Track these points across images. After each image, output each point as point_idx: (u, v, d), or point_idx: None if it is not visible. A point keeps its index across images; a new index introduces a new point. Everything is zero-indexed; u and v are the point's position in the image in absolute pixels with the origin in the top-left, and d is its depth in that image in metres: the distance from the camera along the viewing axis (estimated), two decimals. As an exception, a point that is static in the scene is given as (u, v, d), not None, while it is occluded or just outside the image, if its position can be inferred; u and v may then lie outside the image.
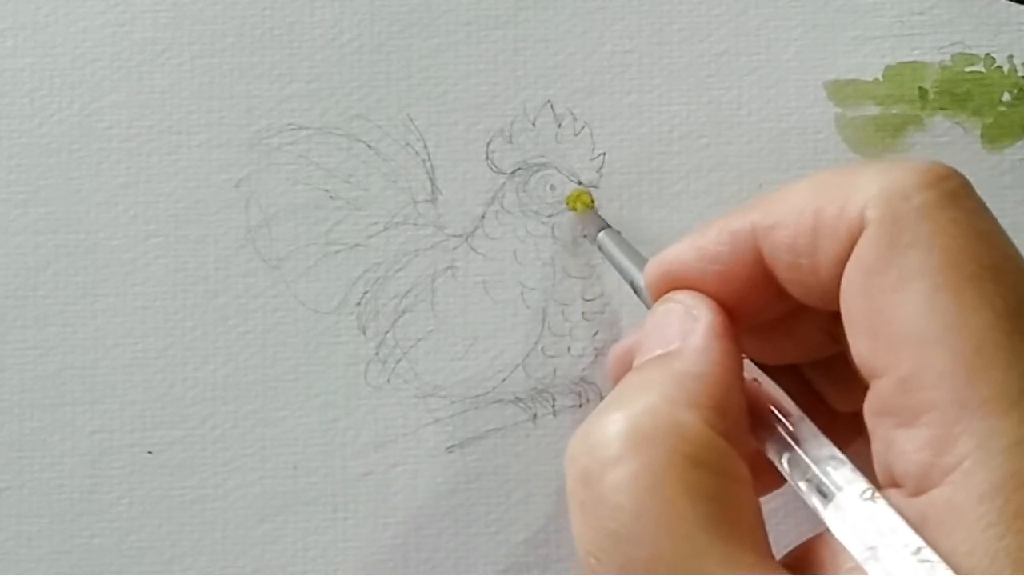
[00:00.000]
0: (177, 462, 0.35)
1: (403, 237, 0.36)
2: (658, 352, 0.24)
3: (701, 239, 0.25)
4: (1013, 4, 0.36)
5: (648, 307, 0.27)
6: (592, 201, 0.35)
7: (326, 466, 0.35)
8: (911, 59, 0.36)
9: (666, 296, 0.26)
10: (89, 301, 0.35)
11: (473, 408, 0.35)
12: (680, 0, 0.36)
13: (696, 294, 0.25)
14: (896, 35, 0.36)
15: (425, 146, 0.36)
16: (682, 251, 0.26)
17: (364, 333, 0.35)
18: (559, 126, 0.36)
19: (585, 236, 0.35)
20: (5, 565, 0.34)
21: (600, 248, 0.34)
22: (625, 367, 0.26)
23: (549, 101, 0.36)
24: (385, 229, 0.36)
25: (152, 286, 0.35)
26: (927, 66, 0.36)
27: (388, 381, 0.35)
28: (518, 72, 0.36)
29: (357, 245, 0.36)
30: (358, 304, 0.35)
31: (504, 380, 0.35)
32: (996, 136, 0.36)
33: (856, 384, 0.23)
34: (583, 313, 0.35)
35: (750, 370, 0.26)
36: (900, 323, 0.21)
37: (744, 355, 0.26)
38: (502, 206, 0.36)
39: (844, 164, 0.24)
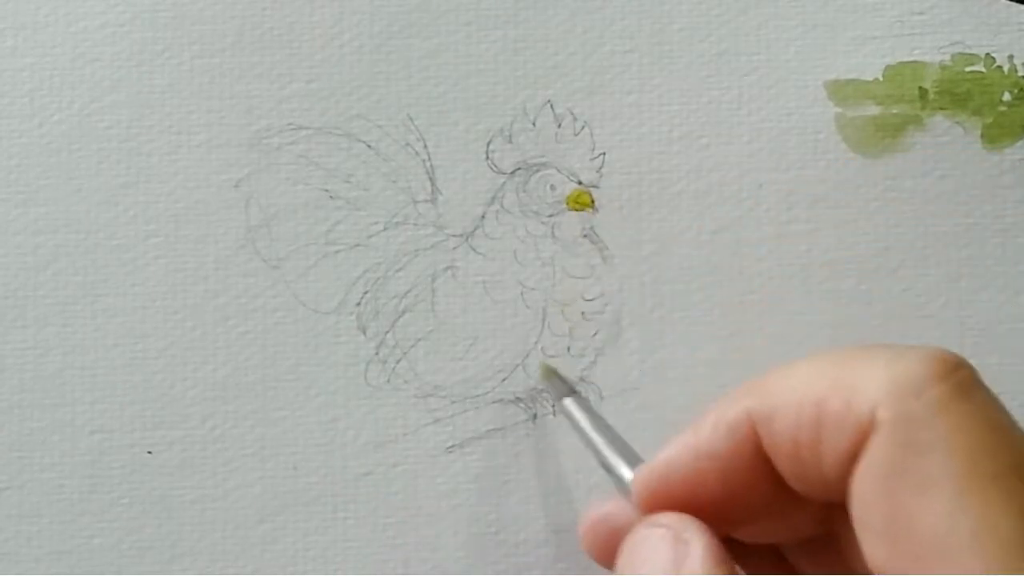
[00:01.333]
0: (177, 462, 0.35)
1: (403, 237, 0.36)
2: None
3: (694, 437, 0.24)
4: (1013, 4, 0.36)
5: (630, 503, 0.26)
6: (552, 375, 0.34)
7: (326, 466, 0.35)
8: (911, 59, 0.36)
9: (650, 520, 0.24)
10: (89, 301, 0.35)
11: (473, 408, 0.35)
12: (680, 0, 0.36)
13: (685, 517, 0.24)
14: (896, 35, 0.36)
15: (425, 146, 0.36)
16: (676, 453, 0.25)
17: (364, 333, 0.35)
18: (559, 126, 0.36)
19: (552, 404, 0.35)
20: (5, 565, 0.34)
21: (566, 416, 0.32)
22: (602, 540, 0.25)
23: (549, 101, 0.36)
24: (385, 229, 0.36)
25: (152, 286, 0.35)
26: (927, 66, 0.36)
27: (388, 381, 0.35)
28: (518, 72, 0.36)
29: (357, 245, 0.36)
30: (358, 304, 0.35)
31: (504, 380, 0.35)
32: (996, 136, 0.36)
33: (839, 566, 0.22)
34: (583, 313, 0.35)
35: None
36: (923, 530, 0.20)
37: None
38: (502, 206, 0.36)
39: (845, 350, 0.23)
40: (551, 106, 0.36)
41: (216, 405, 0.35)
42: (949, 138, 0.36)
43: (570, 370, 0.35)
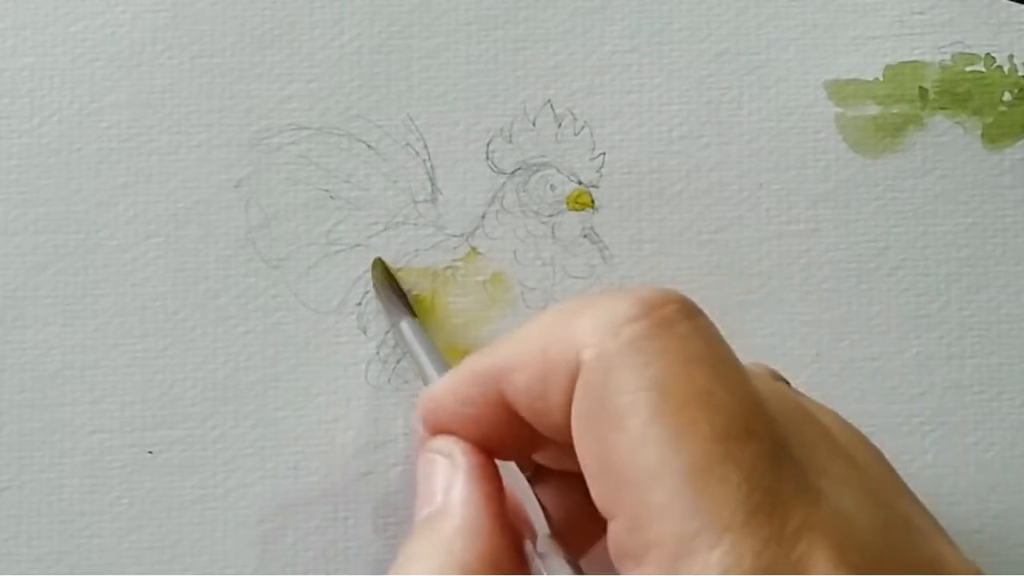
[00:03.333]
0: (177, 462, 0.35)
1: (403, 237, 0.36)
2: (426, 511, 0.26)
3: (455, 380, 0.26)
4: (1013, 4, 0.36)
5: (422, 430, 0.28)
6: (387, 288, 0.35)
7: (326, 466, 0.35)
8: (911, 59, 0.36)
9: (426, 445, 0.27)
10: (89, 301, 0.35)
11: (473, 408, 0.35)
12: (680, 0, 0.36)
13: (453, 440, 0.26)
14: (896, 35, 0.36)
15: (425, 146, 0.36)
16: (442, 392, 0.27)
17: (364, 333, 0.35)
18: (559, 126, 0.36)
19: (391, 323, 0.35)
20: (5, 565, 0.34)
21: (400, 338, 0.34)
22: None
23: (549, 101, 0.36)
24: (385, 229, 0.36)
25: (152, 286, 0.35)
26: (927, 66, 0.36)
27: (388, 381, 0.35)
28: (518, 72, 0.36)
29: (357, 245, 0.36)
30: (358, 304, 0.35)
31: (504, 380, 0.35)
32: (996, 136, 0.36)
33: None
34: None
35: (515, 482, 0.27)
36: (620, 465, 0.21)
37: (528, 469, 0.27)
38: (502, 206, 0.36)
39: (579, 297, 0.24)
40: (551, 106, 0.36)
41: (216, 405, 0.35)
42: (949, 138, 0.36)
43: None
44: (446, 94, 0.36)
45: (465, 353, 0.35)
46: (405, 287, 0.35)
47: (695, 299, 0.35)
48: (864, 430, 0.26)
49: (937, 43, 0.36)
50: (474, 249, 0.36)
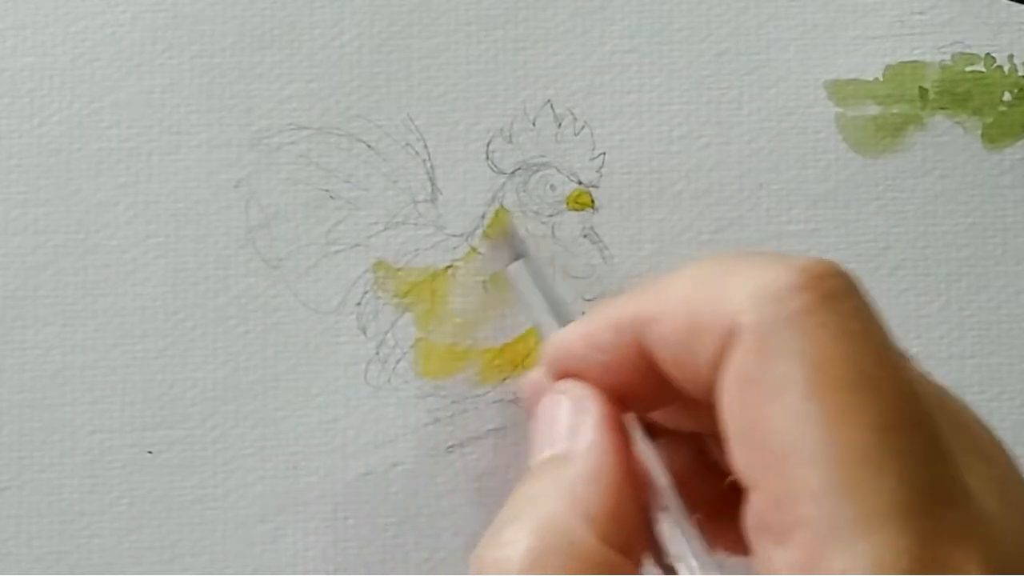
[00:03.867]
0: (177, 462, 0.35)
1: (403, 237, 0.36)
2: (548, 453, 0.25)
3: (589, 325, 0.25)
4: (1013, 4, 0.36)
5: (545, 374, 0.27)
6: (506, 234, 0.34)
7: (326, 466, 0.35)
8: (911, 59, 0.36)
9: (555, 386, 0.26)
10: (89, 301, 0.35)
11: (473, 408, 0.35)
12: (680, 0, 0.36)
13: (584, 385, 0.25)
14: (896, 35, 0.36)
15: (425, 146, 0.36)
16: (574, 335, 0.26)
17: (364, 333, 0.35)
18: (559, 126, 0.36)
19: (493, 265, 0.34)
20: (5, 565, 0.34)
21: (511, 281, 0.33)
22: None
23: (549, 101, 0.36)
24: (385, 229, 0.36)
25: (152, 286, 0.35)
26: (927, 66, 0.36)
27: (388, 381, 0.35)
28: (518, 72, 0.36)
29: (357, 245, 0.36)
30: (358, 304, 0.35)
31: (504, 380, 0.35)
32: (996, 136, 0.36)
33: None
34: (583, 313, 0.35)
35: (644, 448, 0.26)
36: (772, 438, 0.20)
37: (642, 425, 0.26)
38: (502, 206, 0.36)
39: (725, 257, 0.24)
40: (551, 106, 0.36)
41: (216, 405, 0.35)
42: (949, 138, 0.36)
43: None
44: (446, 94, 0.36)
45: (465, 353, 0.35)
46: (520, 233, 0.34)
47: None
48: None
49: (937, 43, 0.36)
50: (474, 249, 0.36)
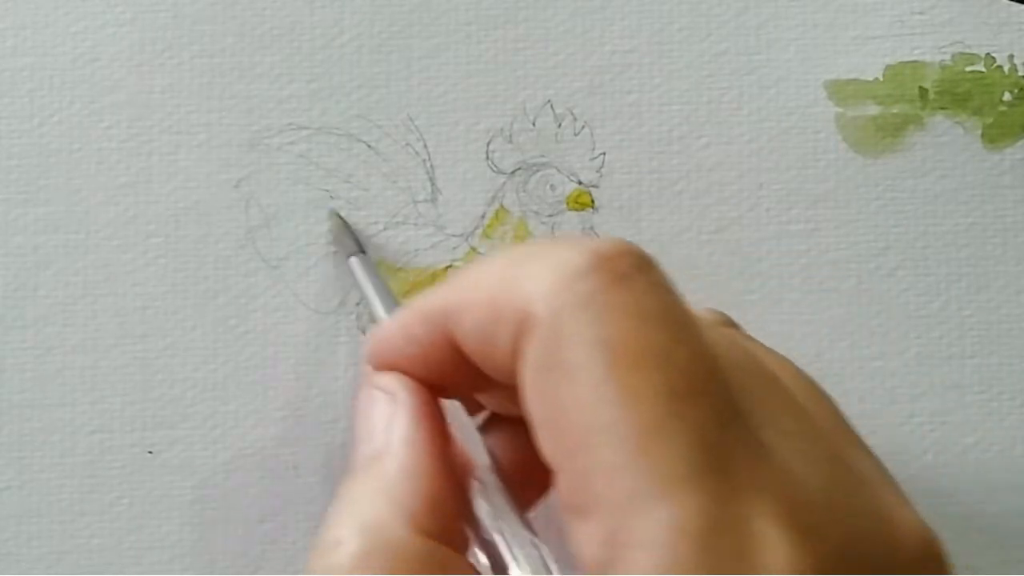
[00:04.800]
0: (177, 462, 0.35)
1: (403, 237, 0.36)
2: (365, 450, 0.25)
3: (404, 317, 0.26)
4: (1013, 4, 0.36)
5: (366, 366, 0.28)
6: (340, 230, 0.35)
7: (326, 466, 0.35)
8: (911, 59, 0.36)
9: (369, 382, 0.26)
10: (89, 301, 0.35)
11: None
12: (680, 0, 0.36)
13: (396, 376, 0.26)
14: (896, 35, 0.36)
15: (425, 146, 0.36)
16: (389, 329, 0.26)
17: (364, 333, 0.35)
18: (559, 126, 0.36)
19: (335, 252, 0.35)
20: (5, 565, 0.34)
21: (351, 273, 0.34)
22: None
23: (549, 101, 0.36)
24: (385, 229, 0.36)
25: (152, 286, 0.35)
26: (927, 66, 0.36)
27: (388, 381, 0.35)
28: (518, 72, 0.36)
29: (357, 245, 0.36)
30: (358, 304, 0.35)
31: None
32: (996, 136, 0.36)
33: None
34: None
35: (458, 421, 0.26)
36: (569, 421, 0.21)
37: (468, 409, 0.27)
38: (502, 206, 0.36)
39: (529, 245, 0.24)
40: (551, 106, 0.36)
41: (216, 405, 0.35)
42: (949, 138, 0.36)
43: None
44: (446, 94, 0.36)
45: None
46: (360, 237, 0.35)
47: (695, 299, 0.35)
48: (864, 430, 0.26)
49: (937, 43, 0.36)
50: (474, 249, 0.36)
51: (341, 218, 0.35)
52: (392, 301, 0.32)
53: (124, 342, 0.35)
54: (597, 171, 0.36)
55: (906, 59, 0.36)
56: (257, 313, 0.35)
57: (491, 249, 0.36)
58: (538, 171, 0.36)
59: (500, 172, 0.36)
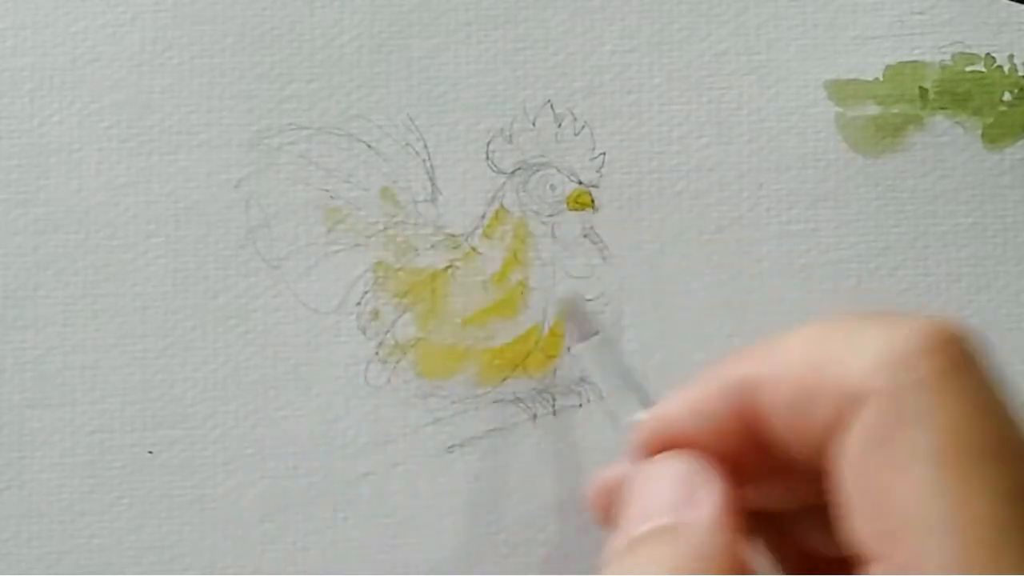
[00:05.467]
0: (177, 462, 0.35)
1: (403, 237, 0.36)
2: (656, 522, 0.23)
3: (693, 392, 0.24)
4: (1013, 4, 0.36)
5: (634, 455, 0.25)
6: (574, 313, 0.33)
7: (326, 466, 0.35)
8: (911, 59, 0.36)
9: (666, 454, 0.24)
10: (89, 301, 0.35)
11: (473, 408, 0.35)
12: (680, 0, 0.36)
13: (691, 455, 0.24)
14: (896, 35, 0.36)
15: (425, 146, 0.36)
16: (677, 405, 0.24)
17: (364, 333, 0.35)
18: (559, 126, 0.36)
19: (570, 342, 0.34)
20: (5, 565, 0.34)
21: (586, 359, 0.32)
22: (608, 498, 0.25)
23: (549, 101, 0.36)
24: (385, 229, 0.36)
25: (152, 286, 0.35)
26: (927, 66, 0.36)
27: (388, 381, 0.35)
28: (518, 72, 0.36)
29: (357, 245, 0.36)
30: (358, 304, 0.35)
31: (504, 380, 0.35)
32: (996, 136, 0.36)
33: (833, 537, 0.22)
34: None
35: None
36: (900, 507, 0.20)
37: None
38: (502, 206, 0.36)
39: (843, 316, 0.23)
40: (551, 106, 0.36)
41: (216, 405, 0.35)
42: (949, 138, 0.36)
43: (570, 370, 0.35)
44: (446, 94, 0.36)
45: (465, 353, 0.35)
46: (592, 319, 0.33)
47: (695, 299, 0.35)
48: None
49: (937, 43, 0.36)
50: (474, 249, 0.36)
51: (574, 302, 0.34)
52: (638, 384, 0.29)
53: (124, 342, 0.35)
54: (597, 171, 0.36)
55: (906, 59, 0.36)
56: (257, 313, 0.35)
57: (491, 249, 0.36)
58: (538, 171, 0.36)
59: (500, 172, 0.36)
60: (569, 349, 0.35)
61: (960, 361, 0.21)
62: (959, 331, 0.22)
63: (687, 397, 0.24)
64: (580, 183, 0.36)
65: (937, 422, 0.20)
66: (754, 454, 0.23)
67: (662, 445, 0.24)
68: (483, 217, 0.36)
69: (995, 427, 0.20)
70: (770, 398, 0.23)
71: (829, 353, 0.22)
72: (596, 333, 0.31)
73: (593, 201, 0.36)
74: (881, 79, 0.36)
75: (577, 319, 0.33)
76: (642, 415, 0.26)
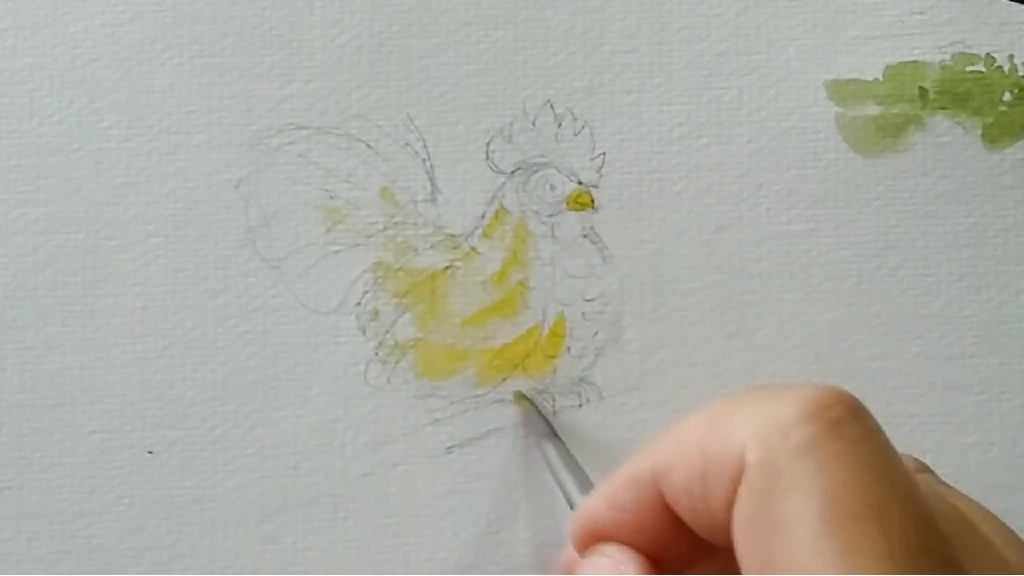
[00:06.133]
0: (177, 462, 0.35)
1: (403, 237, 0.36)
2: None
3: (609, 486, 0.25)
4: (1013, 4, 0.36)
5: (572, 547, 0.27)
6: (529, 413, 0.35)
7: (326, 466, 0.35)
8: (911, 59, 0.36)
9: (592, 548, 0.25)
10: (89, 301, 0.35)
11: (473, 408, 0.35)
12: (680, 0, 0.36)
13: (621, 548, 0.25)
14: (896, 35, 0.36)
15: (425, 146, 0.36)
16: (596, 501, 0.25)
17: (364, 333, 0.35)
18: (559, 126, 0.36)
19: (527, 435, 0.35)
20: (5, 565, 0.34)
21: (543, 457, 0.34)
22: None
23: (549, 101, 0.36)
24: (385, 229, 0.36)
25: (152, 286, 0.35)
26: (927, 66, 0.36)
27: (388, 381, 0.35)
28: (518, 72, 0.36)
29: (357, 245, 0.36)
30: (358, 304, 0.35)
31: (504, 380, 0.35)
32: (996, 136, 0.36)
33: None
34: (583, 313, 0.35)
35: None
36: (785, 573, 0.20)
37: None
38: (502, 206, 0.36)
39: (731, 397, 0.23)
40: (551, 106, 0.36)
41: (216, 405, 0.35)
42: (949, 138, 0.36)
43: (570, 370, 0.35)
44: (446, 94, 0.36)
45: (465, 353, 0.35)
46: (544, 412, 0.35)
47: (695, 299, 0.35)
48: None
49: (937, 43, 0.36)
50: (474, 249, 0.36)
51: (531, 402, 0.35)
52: (589, 484, 0.31)
53: (124, 342, 0.35)
54: (597, 171, 0.36)
55: (906, 59, 0.36)
56: (257, 313, 0.35)
57: (491, 249, 0.36)
58: (538, 171, 0.36)
59: (500, 172, 0.36)
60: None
61: (838, 423, 0.21)
62: (838, 395, 0.22)
63: (605, 492, 0.25)
64: (580, 183, 0.36)
65: (815, 485, 0.20)
66: (682, 540, 0.24)
67: (591, 538, 0.25)
68: (483, 217, 0.36)
69: (874, 486, 0.20)
70: (671, 484, 0.23)
71: (716, 432, 0.22)
72: (556, 436, 0.34)
73: (593, 201, 0.36)
74: (881, 79, 0.36)
75: (537, 419, 0.35)
76: (571, 515, 0.27)
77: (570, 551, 0.27)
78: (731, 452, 0.22)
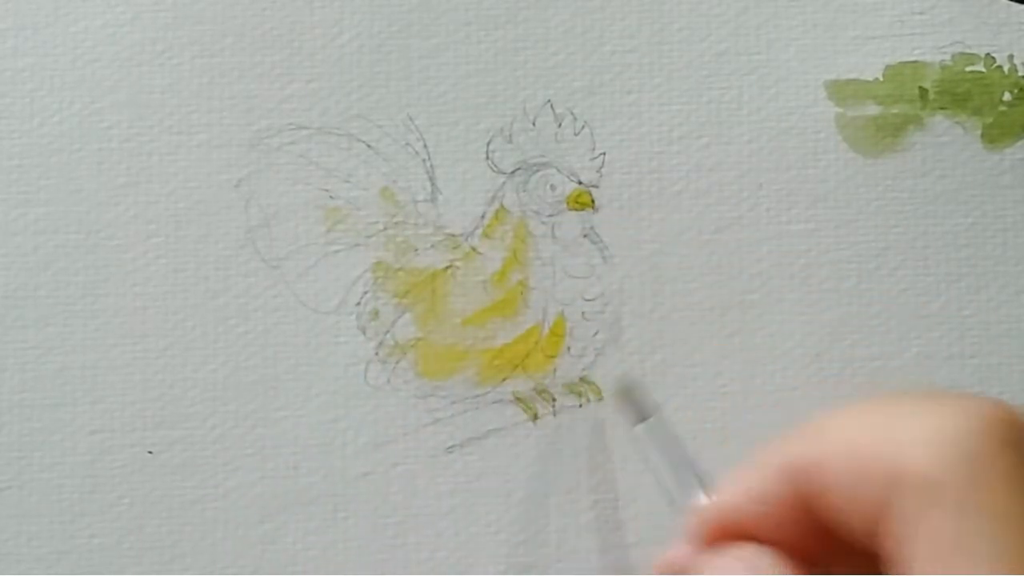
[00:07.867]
0: (177, 462, 0.35)
1: (403, 237, 0.36)
2: None
3: (752, 478, 0.24)
4: (1013, 4, 0.36)
5: (695, 542, 0.25)
6: (631, 394, 0.33)
7: (326, 466, 0.35)
8: (911, 59, 0.36)
9: (732, 548, 0.24)
10: (89, 301, 0.35)
11: (473, 408, 0.35)
12: (680, 0, 0.36)
13: (759, 549, 0.24)
14: (896, 35, 0.36)
15: (425, 146, 0.36)
16: (736, 494, 0.24)
17: (364, 333, 0.35)
18: (559, 126, 0.36)
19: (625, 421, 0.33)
20: (5, 565, 0.34)
21: (639, 442, 0.32)
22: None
23: (549, 101, 0.36)
24: (385, 229, 0.36)
25: (152, 286, 0.35)
26: (927, 66, 0.36)
27: (388, 381, 0.35)
28: (518, 72, 0.36)
29: (357, 245, 0.36)
30: (358, 304, 0.35)
31: (504, 380, 0.35)
32: (996, 136, 0.36)
33: None
34: (583, 313, 0.35)
35: None
36: None
37: None
38: (502, 206, 0.36)
39: (895, 398, 0.23)
40: (551, 106, 0.36)
41: (216, 405, 0.35)
42: (949, 138, 0.36)
43: (570, 370, 0.35)
44: (446, 94, 0.36)
45: (465, 353, 0.35)
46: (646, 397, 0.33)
47: (695, 299, 0.35)
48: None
49: (937, 43, 0.36)
50: (474, 249, 0.36)
51: (632, 383, 0.34)
52: (692, 468, 0.29)
53: (124, 342, 0.35)
54: (597, 171, 0.36)
55: (906, 59, 0.36)
56: (257, 313, 0.35)
57: (491, 249, 0.36)
58: (538, 171, 0.36)
59: (500, 172, 0.36)
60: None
61: (1008, 441, 0.21)
62: (1004, 409, 0.22)
63: (745, 482, 0.24)
64: (580, 183, 0.36)
65: (989, 504, 0.20)
66: (813, 539, 0.23)
67: (723, 533, 0.24)
68: (483, 217, 0.36)
69: None
70: (827, 478, 0.23)
71: (871, 434, 0.22)
72: (652, 414, 0.32)
73: (593, 201, 0.36)
74: (881, 79, 0.36)
75: (634, 400, 0.33)
76: (702, 500, 0.26)
77: (682, 549, 0.25)
78: (888, 456, 0.21)
